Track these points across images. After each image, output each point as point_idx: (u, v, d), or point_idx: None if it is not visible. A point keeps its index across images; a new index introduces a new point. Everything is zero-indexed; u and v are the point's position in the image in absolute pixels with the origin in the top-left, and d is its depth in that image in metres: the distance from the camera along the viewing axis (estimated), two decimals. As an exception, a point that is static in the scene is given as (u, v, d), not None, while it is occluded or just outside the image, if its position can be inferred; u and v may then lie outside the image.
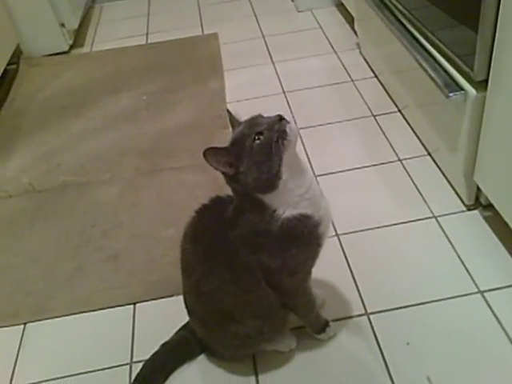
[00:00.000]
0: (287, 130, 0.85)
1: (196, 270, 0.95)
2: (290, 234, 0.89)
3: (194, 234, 0.97)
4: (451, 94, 1.22)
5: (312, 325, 1.09)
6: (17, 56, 2.32)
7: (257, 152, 0.84)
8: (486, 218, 1.32)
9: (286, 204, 0.88)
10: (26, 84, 2.19)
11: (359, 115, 1.76)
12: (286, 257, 0.91)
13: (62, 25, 2.34)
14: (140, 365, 1.10)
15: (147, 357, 1.10)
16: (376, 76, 1.94)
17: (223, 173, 0.88)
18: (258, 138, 0.84)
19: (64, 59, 2.36)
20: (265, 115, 0.90)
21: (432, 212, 1.36)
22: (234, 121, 0.93)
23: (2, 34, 2.17)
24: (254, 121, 0.88)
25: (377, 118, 1.74)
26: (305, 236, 0.90)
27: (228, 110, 0.96)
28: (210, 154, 0.84)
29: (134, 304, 1.25)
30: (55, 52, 2.38)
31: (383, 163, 1.55)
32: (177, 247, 1.30)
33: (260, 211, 0.89)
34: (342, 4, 2.31)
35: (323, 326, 1.10)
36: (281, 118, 0.86)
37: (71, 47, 2.42)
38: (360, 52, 2.09)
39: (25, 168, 1.71)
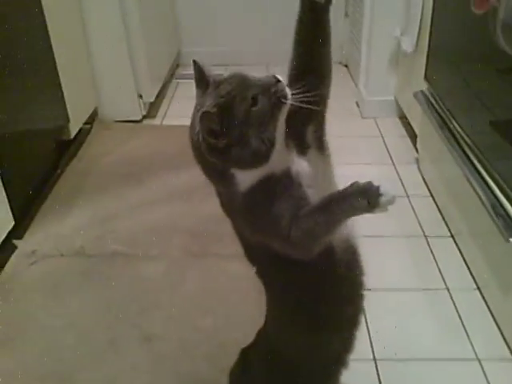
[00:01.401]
0: (286, 93, 0.74)
1: None
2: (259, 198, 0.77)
3: None
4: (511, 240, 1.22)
5: None
6: (92, 117, 2.48)
7: (254, 119, 0.72)
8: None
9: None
10: (96, 145, 2.32)
11: (410, 233, 1.76)
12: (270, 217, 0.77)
13: (140, 96, 2.51)
14: None
15: None
16: (432, 195, 1.95)
17: (208, 145, 0.73)
18: (255, 103, 0.72)
19: (135, 127, 2.50)
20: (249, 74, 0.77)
21: (476, 353, 1.31)
22: (202, 75, 0.78)
23: (84, 97, 2.35)
24: (244, 81, 0.75)
25: (428, 238, 1.73)
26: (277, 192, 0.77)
27: (194, 61, 0.79)
28: (207, 118, 0.71)
29: (159, 393, 1.24)
30: (128, 119, 2.53)
31: (429, 289, 1.52)
32: (211, 339, 1.30)
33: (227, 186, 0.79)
34: (406, 117, 2.38)
35: None
36: (277, 80, 0.74)
37: (144, 117, 2.57)
38: (418, 168, 2.12)
39: (80, 229, 1.78)
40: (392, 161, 2.20)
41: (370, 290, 1.51)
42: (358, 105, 2.68)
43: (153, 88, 2.60)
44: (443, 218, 1.82)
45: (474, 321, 1.40)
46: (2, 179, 1.57)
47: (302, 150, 0.81)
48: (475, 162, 1.49)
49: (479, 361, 1.29)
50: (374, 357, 1.29)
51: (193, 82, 0.81)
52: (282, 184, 0.77)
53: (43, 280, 1.57)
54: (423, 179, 2.05)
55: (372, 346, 1.32)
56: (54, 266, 1.62)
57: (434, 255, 1.65)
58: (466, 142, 1.56)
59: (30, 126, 1.89)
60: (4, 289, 1.53)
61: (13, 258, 1.64)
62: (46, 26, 1.93)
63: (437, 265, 1.61)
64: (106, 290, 1.52)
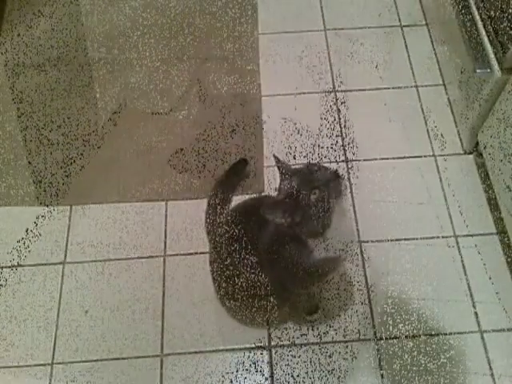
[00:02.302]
0: (343, 188, 0.95)
1: None
2: (322, 273, 1.04)
3: None
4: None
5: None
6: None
7: (313, 206, 0.93)
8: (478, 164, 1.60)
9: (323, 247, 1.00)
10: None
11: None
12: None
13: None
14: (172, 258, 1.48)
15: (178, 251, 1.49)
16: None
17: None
18: (314, 193, 0.92)
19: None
20: (320, 164, 0.98)
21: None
22: (282, 167, 1.00)
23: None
24: (310, 174, 0.95)
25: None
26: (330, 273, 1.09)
27: (275, 156, 1.03)
28: (267, 210, 0.95)
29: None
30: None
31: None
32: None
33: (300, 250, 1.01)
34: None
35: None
36: (337, 176, 0.95)
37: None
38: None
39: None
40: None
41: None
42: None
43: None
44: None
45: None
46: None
47: None
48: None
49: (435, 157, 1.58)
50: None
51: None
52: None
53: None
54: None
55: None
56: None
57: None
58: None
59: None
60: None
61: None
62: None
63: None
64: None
